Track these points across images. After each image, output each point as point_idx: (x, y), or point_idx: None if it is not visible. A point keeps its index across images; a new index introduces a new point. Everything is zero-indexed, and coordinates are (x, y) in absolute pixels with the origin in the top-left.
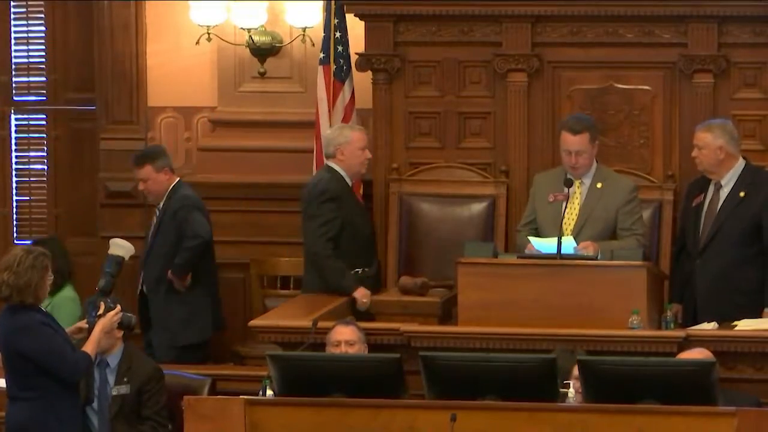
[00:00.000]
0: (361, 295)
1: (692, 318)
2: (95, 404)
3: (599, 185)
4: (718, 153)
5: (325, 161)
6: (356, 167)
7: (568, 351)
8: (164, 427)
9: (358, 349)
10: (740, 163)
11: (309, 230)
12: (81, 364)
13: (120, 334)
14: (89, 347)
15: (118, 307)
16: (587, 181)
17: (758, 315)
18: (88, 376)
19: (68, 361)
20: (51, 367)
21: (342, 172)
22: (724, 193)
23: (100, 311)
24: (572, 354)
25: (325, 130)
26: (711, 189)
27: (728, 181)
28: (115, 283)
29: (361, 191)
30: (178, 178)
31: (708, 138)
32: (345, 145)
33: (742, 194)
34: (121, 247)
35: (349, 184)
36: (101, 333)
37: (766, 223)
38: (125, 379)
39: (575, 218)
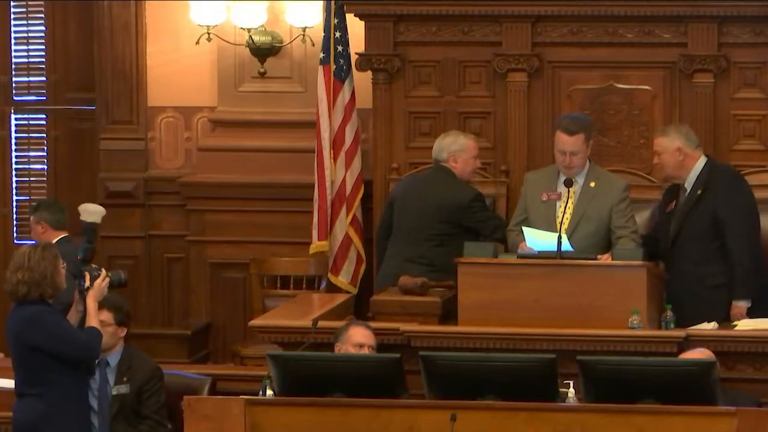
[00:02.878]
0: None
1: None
2: (95, 404)
3: (592, 184)
4: (677, 155)
5: (436, 164)
6: (467, 175)
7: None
8: (163, 426)
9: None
10: (701, 162)
11: (484, 218)
12: (94, 340)
13: (123, 332)
14: (92, 322)
15: (103, 271)
16: (581, 180)
17: (728, 309)
18: None
19: (81, 341)
20: (65, 353)
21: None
22: (685, 194)
23: (87, 283)
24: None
25: (326, 131)
26: (680, 193)
27: (690, 182)
28: (95, 248)
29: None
30: (60, 236)
31: (665, 142)
32: (459, 153)
33: (699, 192)
34: (92, 213)
35: None
36: (95, 303)
37: (724, 217)
38: (125, 379)
39: (569, 217)
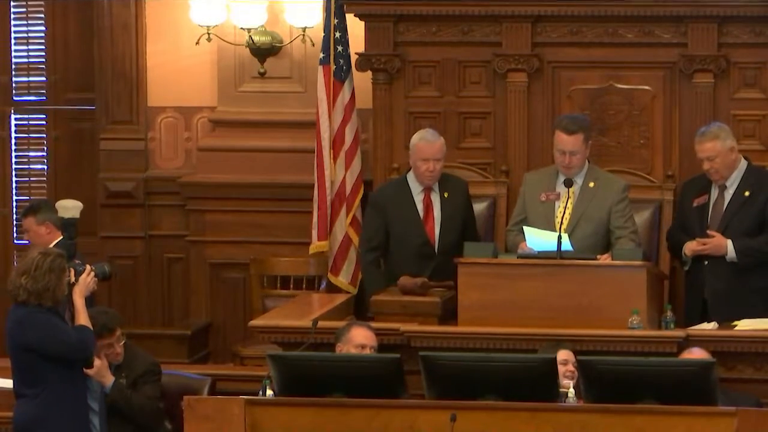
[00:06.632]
0: None
1: (699, 319)
2: (95, 405)
3: (591, 184)
4: (730, 155)
5: None
6: (417, 177)
7: (553, 344)
8: (158, 408)
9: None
10: (743, 163)
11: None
12: (86, 338)
13: (121, 349)
14: (81, 319)
15: (87, 266)
16: (579, 181)
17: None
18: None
19: (73, 340)
20: (57, 352)
21: (411, 179)
22: (729, 194)
23: (72, 279)
24: (557, 345)
25: (325, 131)
26: (714, 190)
27: (733, 182)
28: (76, 243)
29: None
30: (61, 237)
31: (718, 146)
32: (411, 153)
33: (747, 194)
34: (69, 209)
35: (414, 191)
36: (82, 299)
37: None
38: (123, 375)
39: (568, 217)
